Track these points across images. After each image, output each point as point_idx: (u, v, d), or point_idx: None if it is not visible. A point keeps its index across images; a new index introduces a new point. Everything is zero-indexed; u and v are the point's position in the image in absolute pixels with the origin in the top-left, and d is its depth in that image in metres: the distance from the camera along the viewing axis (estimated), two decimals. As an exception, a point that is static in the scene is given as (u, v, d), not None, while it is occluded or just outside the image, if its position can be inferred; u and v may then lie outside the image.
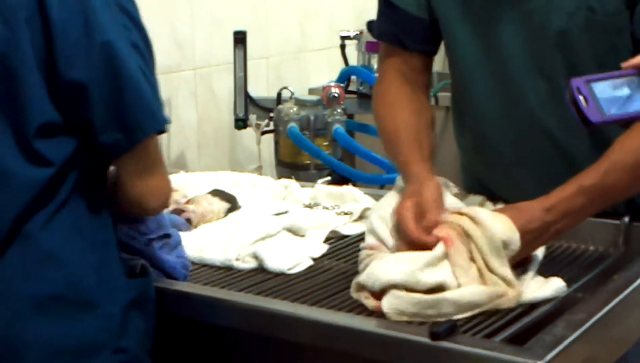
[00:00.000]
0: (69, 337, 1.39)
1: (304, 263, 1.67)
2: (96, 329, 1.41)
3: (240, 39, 2.87)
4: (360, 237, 1.68)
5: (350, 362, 1.37)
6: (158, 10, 2.72)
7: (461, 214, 1.47)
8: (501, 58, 1.67)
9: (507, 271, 1.42)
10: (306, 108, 2.73)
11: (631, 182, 1.53)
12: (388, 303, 1.38)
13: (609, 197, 1.53)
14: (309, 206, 1.97)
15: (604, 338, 1.38)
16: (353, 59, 3.20)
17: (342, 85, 2.80)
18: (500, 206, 1.66)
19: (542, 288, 1.45)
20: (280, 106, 2.80)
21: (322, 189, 2.03)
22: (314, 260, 1.69)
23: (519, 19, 1.63)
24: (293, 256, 1.67)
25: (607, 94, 1.24)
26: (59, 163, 1.39)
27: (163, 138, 1.48)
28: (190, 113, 2.94)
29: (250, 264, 1.67)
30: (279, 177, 2.41)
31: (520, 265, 1.48)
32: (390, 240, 1.51)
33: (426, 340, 1.27)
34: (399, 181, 1.65)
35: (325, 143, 2.72)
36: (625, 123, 1.31)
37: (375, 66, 2.93)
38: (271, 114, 2.84)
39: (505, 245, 1.43)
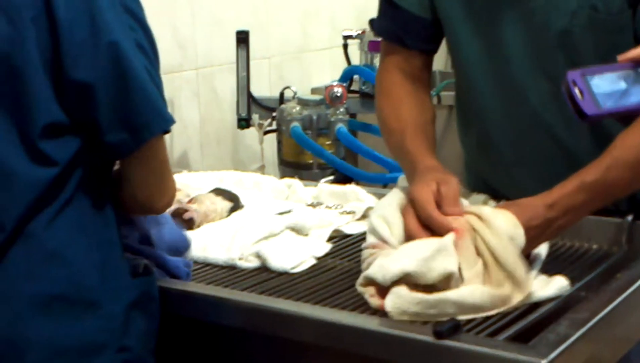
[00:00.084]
0: (72, 337, 1.38)
1: (307, 262, 1.67)
2: (99, 328, 1.40)
3: (242, 38, 2.87)
4: (363, 236, 1.67)
5: (354, 361, 1.37)
6: (159, 10, 2.72)
7: (466, 212, 1.46)
8: (503, 58, 1.67)
9: (518, 266, 1.40)
10: (309, 108, 2.72)
11: (633, 178, 1.53)
12: (390, 302, 1.37)
13: (610, 193, 1.53)
14: (312, 205, 1.97)
15: (607, 337, 1.38)
16: (356, 59, 3.20)
17: (344, 84, 2.80)
18: (502, 203, 1.66)
19: (545, 286, 1.44)
20: (282, 106, 2.79)
21: (325, 188, 2.03)
22: (317, 259, 1.69)
23: (521, 19, 1.63)
24: (296, 255, 1.67)
25: (603, 87, 1.24)
26: (64, 162, 1.39)
27: (166, 138, 1.48)
28: (193, 113, 2.94)
29: (254, 263, 1.67)
30: (282, 176, 2.41)
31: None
32: (391, 239, 1.49)
33: (430, 338, 1.27)
34: (401, 180, 1.65)
35: (328, 142, 2.72)
36: (620, 116, 1.31)
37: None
38: (274, 114, 2.84)
39: (510, 240, 1.42)
